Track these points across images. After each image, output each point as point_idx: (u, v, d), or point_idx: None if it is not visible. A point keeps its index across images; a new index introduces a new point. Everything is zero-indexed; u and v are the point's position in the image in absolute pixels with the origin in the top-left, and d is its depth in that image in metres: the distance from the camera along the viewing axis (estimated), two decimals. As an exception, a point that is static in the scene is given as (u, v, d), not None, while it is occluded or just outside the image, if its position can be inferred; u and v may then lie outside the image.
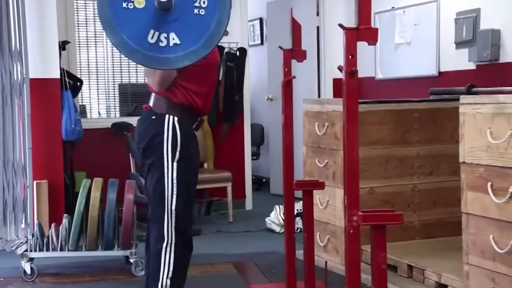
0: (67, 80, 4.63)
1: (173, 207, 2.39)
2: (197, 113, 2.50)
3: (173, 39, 1.98)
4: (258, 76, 7.15)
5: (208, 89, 2.53)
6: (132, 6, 1.94)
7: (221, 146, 5.56)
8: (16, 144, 4.21)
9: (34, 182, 4.22)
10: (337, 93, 5.69)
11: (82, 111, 5.40)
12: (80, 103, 5.43)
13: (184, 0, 1.98)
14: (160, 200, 2.41)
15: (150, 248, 2.49)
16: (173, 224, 2.39)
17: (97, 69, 5.58)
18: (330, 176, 3.60)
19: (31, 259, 3.58)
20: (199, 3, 1.99)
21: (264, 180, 7.12)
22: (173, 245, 2.40)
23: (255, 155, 6.93)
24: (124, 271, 3.69)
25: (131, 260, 3.60)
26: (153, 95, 2.49)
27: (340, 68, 2.03)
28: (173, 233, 2.40)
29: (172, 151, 2.38)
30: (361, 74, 2.15)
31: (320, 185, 2.97)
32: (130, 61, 5.62)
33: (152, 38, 1.97)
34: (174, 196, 2.39)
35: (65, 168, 4.63)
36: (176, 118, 2.41)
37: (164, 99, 2.43)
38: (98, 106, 5.68)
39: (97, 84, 5.62)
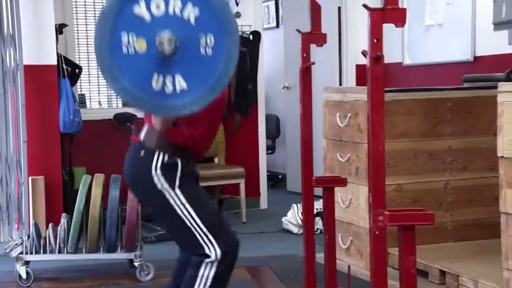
0: (64, 67, 4.66)
1: (202, 227, 2.31)
2: (192, 151, 2.40)
3: (179, 82, 1.97)
4: (273, 62, 7.14)
5: (213, 133, 2.47)
6: (132, 52, 1.93)
7: (233, 139, 5.57)
8: (9, 136, 4.24)
9: (30, 178, 4.26)
10: (360, 80, 5.67)
11: (82, 101, 5.43)
12: (79, 92, 5.46)
13: (189, 39, 1.96)
14: (185, 231, 2.32)
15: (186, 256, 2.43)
16: (210, 239, 2.31)
17: (97, 55, 5.61)
18: (353, 172, 3.60)
19: (26, 263, 3.62)
20: (205, 41, 1.97)
21: (280, 176, 7.12)
22: (216, 263, 2.31)
23: (270, 149, 6.93)
24: (128, 275, 3.72)
25: (136, 264, 3.63)
26: (146, 126, 2.40)
27: (364, 53, 2.03)
28: (215, 248, 2.31)
29: (167, 182, 2.30)
30: (387, 59, 2.14)
31: (342, 182, 2.97)
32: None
33: (156, 83, 1.96)
34: (195, 215, 2.31)
35: (63, 163, 4.67)
36: (166, 156, 2.32)
37: (158, 134, 2.33)
38: (99, 95, 5.71)
39: (98, 71, 5.65)
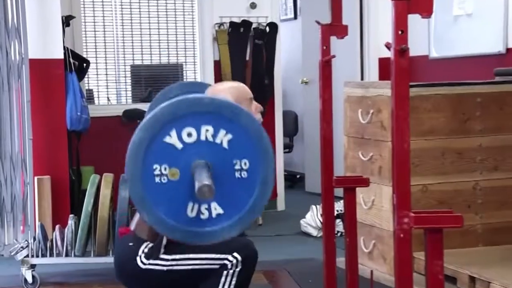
0: (71, 60, 4.69)
1: (211, 256, 2.36)
2: None
3: (215, 209, 2.00)
4: (291, 55, 7.13)
5: None
6: (165, 180, 1.97)
7: (249, 136, 5.57)
8: (14, 134, 4.28)
9: (35, 178, 4.29)
10: (383, 75, 5.65)
11: (89, 97, 5.47)
12: (87, 88, 5.50)
13: (223, 165, 1.99)
14: (201, 274, 2.37)
15: None
16: (225, 257, 2.38)
17: (105, 48, 5.65)
18: (376, 172, 3.59)
19: (32, 266, 3.65)
20: (240, 165, 2.00)
21: (298, 176, 7.12)
22: (237, 271, 2.38)
23: (288, 147, 6.93)
24: (138, 280, 3.73)
25: (146, 268, 3.64)
26: (137, 215, 2.45)
27: (387, 46, 2.02)
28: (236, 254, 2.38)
29: (155, 254, 2.35)
30: (413, 52, 2.13)
31: (364, 182, 2.96)
32: (144, 39, 5.70)
33: (192, 211, 1.99)
34: (198, 256, 2.36)
35: (70, 162, 4.70)
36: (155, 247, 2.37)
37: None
38: (107, 90, 5.75)
39: (106, 66, 5.69)
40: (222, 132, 1.99)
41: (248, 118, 2.01)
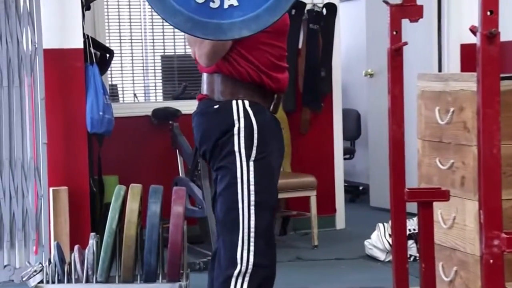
0: (92, 51, 4.75)
1: (251, 224, 2.46)
2: (273, 90, 2.56)
3: None
4: (353, 43, 7.11)
5: (281, 61, 2.59)
6: None
7: (302, 141, 5.58)
8: (26, 138, 4.34)
9: (51, 190, 4.35)
10: (467, 65, 5.59)
11: (113, 93, 5.54)
12: (110, 83, 5.57)
13: None
14: (233, 213, 2.49)
15: (216, 270, 2.56)
16: (250, 247, 2.46)
17: (131, 36, 5.72)
18: (457, 183, 3.55)
19: (47, 293, 3.70)
20: None
21: (361, 188, 7.09)
22: (247, 275, 2.47)
23: (349, 153, 6.90)
24: (171, 311, 3.76)
25: (180, 297, 3.67)
26: (205, 76, 2.57)
27: (473, 30, 2.00)
28: (250, 258, 2.46)
29: (246, 148, 2.47)
30: (504, 37, 2.10)
31: (443, 195, 2.93)
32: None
33: None
34: (252, 208, 2.47)
35: (91, 171, 4.76)
36: (247, 102, 2.48)
37: (223, 78, 2.50)
38: (134, 86, 5.82)
39: (132, 57, 5.76)
40: None
41: None
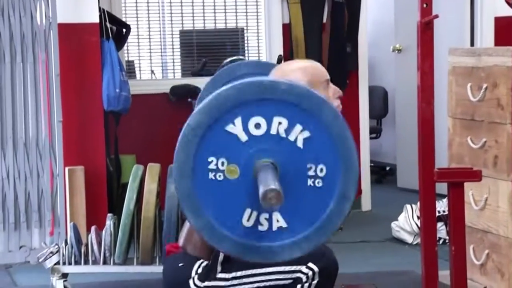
0: (108, 25, 4.76)
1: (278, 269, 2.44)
2: None
3: (278, 221, 2.00)
4: (380, 16, 7.07)
5: None
6: (221, 178, 1.98)
7: (326, 118, 5.57)
8: (40, 116, 4.37)
9: (66, 169, 4.39)
10: (501, 39, 5.53)
11: (130, 70, 5.55)
12: (127, 59, 5.59)
13: (294, 168, 1.99)
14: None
15: None
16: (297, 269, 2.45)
17: (149, 11, 5.72)
18: (490, 163, 3.54)
19: (64, 276, 3.73)
20: (315, 171, 1.99)
21: (388, 169, 7.08)
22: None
23: (375, 132, 6.89)
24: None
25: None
26: (186, 225, 2.51)
27: (508, 2, 1.98)
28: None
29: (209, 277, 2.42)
30: (541, 9, 2.09)
31: (475, 175, 2.92)
32: (195, 1, 5.74)
33: (248, 220, 1.99)
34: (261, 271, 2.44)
35: (108, 150, 4.79)
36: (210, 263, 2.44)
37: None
38: (151, 62, 5.82)
39: (150, 32, 5.76)
40: (298, 127, 1.98)
41: (331, 113, 1.99)
